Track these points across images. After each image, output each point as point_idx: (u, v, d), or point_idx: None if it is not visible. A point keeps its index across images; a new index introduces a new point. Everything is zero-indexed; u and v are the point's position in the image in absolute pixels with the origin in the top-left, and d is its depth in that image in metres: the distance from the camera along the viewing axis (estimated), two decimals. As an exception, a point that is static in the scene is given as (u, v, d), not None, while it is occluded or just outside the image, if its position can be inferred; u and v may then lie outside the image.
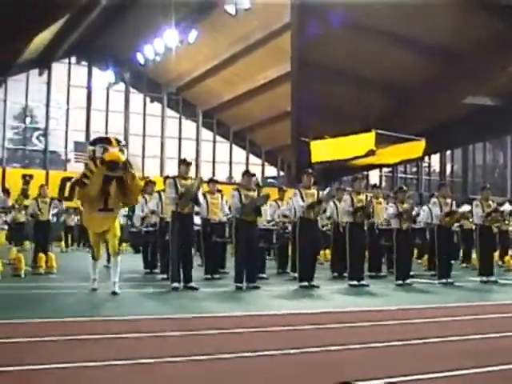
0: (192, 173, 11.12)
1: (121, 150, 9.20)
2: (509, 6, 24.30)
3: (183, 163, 10.72)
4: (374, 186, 15.84)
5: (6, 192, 17.28)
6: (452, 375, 4.52)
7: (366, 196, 12.19)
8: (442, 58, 28.39)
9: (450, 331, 6.49)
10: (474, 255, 16.80)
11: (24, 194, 16.03)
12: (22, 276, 12.16)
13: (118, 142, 9.44)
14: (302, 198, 11.21)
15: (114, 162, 9.00)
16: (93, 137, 36.36)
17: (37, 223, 14.38)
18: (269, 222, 13.76)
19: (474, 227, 13.70)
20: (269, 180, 41.39)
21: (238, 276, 10.70)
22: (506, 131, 39.37)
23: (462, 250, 18.52)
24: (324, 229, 15.26)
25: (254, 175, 11.76)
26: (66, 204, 25.42)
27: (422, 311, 8.41)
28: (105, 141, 9.48)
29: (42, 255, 13.30)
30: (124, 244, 22.47)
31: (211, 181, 13.59)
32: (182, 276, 10.32)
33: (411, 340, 5.95)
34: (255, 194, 11.07)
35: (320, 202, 11.26)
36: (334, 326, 6.88)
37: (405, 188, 13.31)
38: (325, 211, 12.14)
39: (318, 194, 11.37)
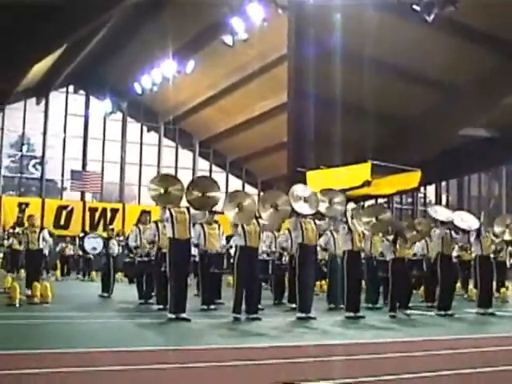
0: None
1: None
2: (505, 40, 24.53)
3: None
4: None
5: None
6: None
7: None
8: (438, 89, 28.55)
9: (447, 364, 6.43)
10: (470, 286, 16.78)
11: (19, 222, 16.06)
12: (17, 305, 12.06)
13: None
14: (302, 228, 11.16)
15: None
16: (89, 165, 36.65)
17: (28, 252, 14.32)
18: (265, 252, 13.70)
19: (473, 258, 13.67)
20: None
21: (236, 307, 10.63)
22: (501, 162, 39.48)
23: (460, 281, 18.48)
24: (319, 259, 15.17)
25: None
26: (63, 232, 25.29)
27: (420, 343, 8.36)
28: None
29: (36, 284, 13.21)
30: (119, 274, 22.42)
31: (209, 211, 13.56)
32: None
33: (410, 373, 5.90)
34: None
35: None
36: (331, 359, 6.81)
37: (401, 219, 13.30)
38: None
39: (315, 224, 11.34)
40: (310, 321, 10.71)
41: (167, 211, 10.36)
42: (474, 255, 13.61)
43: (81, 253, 24.15)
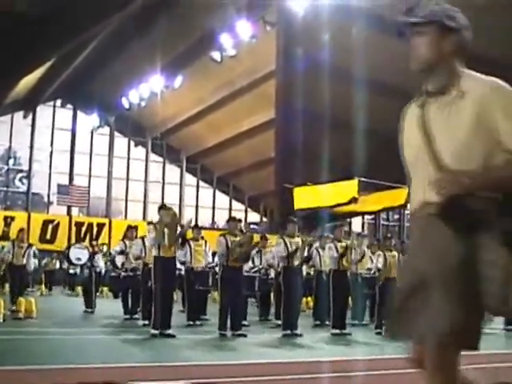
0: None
1: None
2: (493, 59, 24.73)
3: (163, 209, 10.73)
4: (359, 234, 15.90)
5: None
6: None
7: (346, 245, 12.18)
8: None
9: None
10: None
11: (4, 236, 15.91)
12: (1, 321, 11.96)
13: None
14: (287, 247, 11.15)
15: None
16: (76, 179, 36.54)
17: (11, 267, 14.19)
18: (251, 268, 13.67)
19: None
20: (251, 226, 41.31)
21: (222, 324, 10.59)
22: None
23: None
24: (305, 276, 15.11)
25: (240, 221, 11.75)
26: (49, 247, 25.16)
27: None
28: None
29: (21, 299, 13.10)
30: (104, 289, 22.30)
31: (195, 227, 13.55)
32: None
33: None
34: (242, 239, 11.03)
35: (297, 251, 11.19)
36: (316, 376, 6.79)
37: (388, 235, 13.33)
38: (308, 260, 12.03)
39: (303, 242, 11.32)
40: (296, 337, 10.68)
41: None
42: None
43: (66, 264, 23.98)
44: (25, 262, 14.32)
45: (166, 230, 10.18)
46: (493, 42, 22.39)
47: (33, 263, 15.45)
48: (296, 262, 11.24)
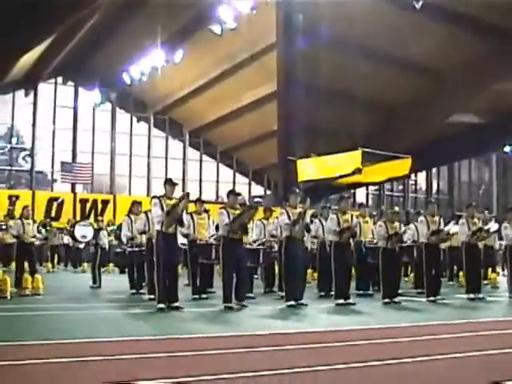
0: (178, 193, 11.08)
1: None
2: (494, 26, 24.56)
3: (169, 183, 10.72)
4: (361, 204, 15.95)
5: None
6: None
7: (352, 215, 12.22)
8: (427, 76, 28.62)
9: (437, 349, 6.48)
10: (460, 272, 16.86)
11: (10, 214, 15.93)
12: (8, 298, 12.07)
13: None
14: (289, 217, 11.20)
15: None
16: (79, 157, 36.54)
17: (20, 244, 14.24)
18: (255, 241, 13.70)
19: (460, 245, 13.73)
20: (255, 199, 41.40)
21: (226, 297, 10.66)
22: (491, 148, 39.65)
23: (448, 268, 18.56)
24: (309, 248, 15.14)
25: (240, 194, 11.76)
26: (54, 224, 25.21)
27: (408, 329, 8.41)
28: None
29: (27, 276, 13.19)
30: (110, 264, 22.44)
31: (198, 200, 13.59)
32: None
33: (398, 359, 5.94)
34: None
35: (301, 218, 11.20)
36: (319, 346, 6.86)
37: (397, 209, 13.34)
38: (308, 230, 12.07)
39: (305, 212, 11.34)
40: (301, 308, 10.76)
41: (159, 207, 10.36)
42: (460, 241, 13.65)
43: (71, 241, 24.08)
44: (32, 239, 14.40)
45: (170, 210, 10.21)
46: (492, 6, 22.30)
47: (39, 239, 15.52)
48: (298, 233, 11.29)
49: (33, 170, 36.60)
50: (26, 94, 36.38)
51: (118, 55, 31.49)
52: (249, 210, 11.21)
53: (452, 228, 13.28)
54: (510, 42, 24.86)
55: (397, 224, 12.52)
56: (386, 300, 11.83)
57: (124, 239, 14.40)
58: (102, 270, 17.42)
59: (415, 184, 47.09)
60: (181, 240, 11.76)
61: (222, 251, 10.94)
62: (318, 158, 26.70)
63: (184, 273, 15.78)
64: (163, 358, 6.04)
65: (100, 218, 20.09)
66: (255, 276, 16.06)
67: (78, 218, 31.56)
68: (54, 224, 28.51)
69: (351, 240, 12.21)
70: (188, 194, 10.76)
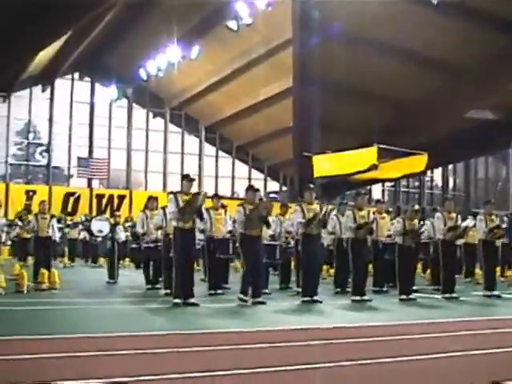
0: (195, 188, 11.11)
1: None
2: (510, 22, 24.40)
3: (186, 179, 10.72)
4: (378, 201, 15.91)
5: None
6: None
7: (369, 211, 12.19)
8: (444, 72, 28.48)
9: (453, 346, 6.46)
10: (477, 269, 16.77)
11: (27, 209, 15.99)
12: (25, 292, 12.14)
13: None
14: (304, 213, 11.19)
15: None
16: (96, 152, 36.70)
17: (37, 239, 14.30)
18: (272, 237, 13.71)
19: (477, 242, 13.65)
20: (271, 195, 41.38)
21: (244, 290, 10.70)
22: (508, 145, 39.36)
23: (465, 265, 18.44)
24: (326, 244, 15.10)
25: (258, 190, 11.74)
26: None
27: (424, 326, 8.38)
28: None
29: (44, 271, 13.22)
30: (126, 259, 22.51)
31: (215, 196, 13.62)
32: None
33: (412, 356, 5.92)
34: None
35: (316, 218, 11.19)
36: (335, 342, 6.85)
37: (417, 207, 13.25)
38: (325, 226, 12.06)
39: (321, 208, 11.33)
40: (316, 304, 10.75)
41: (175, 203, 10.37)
42: (478, 239, 13.57)
43: (87, 236, 24.15)
44: (50, 233, 14.45)
45: (185, 206, 10.23)
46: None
47: (57, 233, 15.55)
48: (314, 229, 11.28)
49: (49, 166, 36.83)
50: (43, 90, 36.60)
51: (135, 51, 31.59)
52: (265, 206, 11.19)
53: (470, 223, 13.21)
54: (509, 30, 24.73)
55: (416, 221, 12.48)
56: (403, 297, 11.79)
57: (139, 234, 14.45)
58: (119, 265, 17.46)
59: (431, 180, 46.88)
60: (198, 236, 11.79)
61: (241, 247, 10.98)
62: (334, 154, 26.61)
63: (200, 268, 15.82)
64: (178, 353, 6.06)
65: (117, 213, 20.15)
66: (273, 271, 16.11)
67: (94, 213, 31.71)
68: (69, 218, 28.67)
69: (368, 236, 12.18)
70: (205, 193, 10.80)
